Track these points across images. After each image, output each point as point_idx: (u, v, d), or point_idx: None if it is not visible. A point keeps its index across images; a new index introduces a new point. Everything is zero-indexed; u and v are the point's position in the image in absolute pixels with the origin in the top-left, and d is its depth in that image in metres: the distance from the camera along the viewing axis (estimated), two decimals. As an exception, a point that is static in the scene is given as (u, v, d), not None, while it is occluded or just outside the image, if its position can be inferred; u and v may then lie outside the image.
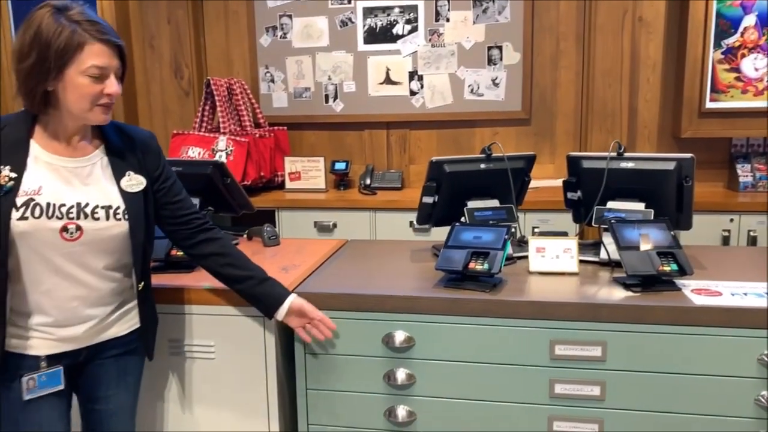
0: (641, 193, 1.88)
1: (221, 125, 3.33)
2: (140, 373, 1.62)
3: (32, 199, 1.35)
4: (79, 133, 1.42)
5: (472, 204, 2.00)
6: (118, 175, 1.45)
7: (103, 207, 1.41)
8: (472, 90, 3.44)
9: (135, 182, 1.47)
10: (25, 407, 1.42)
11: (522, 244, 2.02)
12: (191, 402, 1.80)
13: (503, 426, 1.65)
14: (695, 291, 1.60)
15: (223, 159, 3.18)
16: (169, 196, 1.55)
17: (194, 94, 3.64)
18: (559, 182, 2.17)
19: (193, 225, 1.59)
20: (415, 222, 2.08)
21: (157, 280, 1.77)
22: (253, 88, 3.57)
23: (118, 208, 1.43)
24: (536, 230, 2.89)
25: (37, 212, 1.35)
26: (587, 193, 1.95)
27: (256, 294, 1.61)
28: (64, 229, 1.37)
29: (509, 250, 1.95)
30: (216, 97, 3.33)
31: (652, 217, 1.82)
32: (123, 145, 1.48)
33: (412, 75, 3.47)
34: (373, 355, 1.68)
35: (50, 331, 1.42)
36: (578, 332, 1.57)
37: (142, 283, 1.53)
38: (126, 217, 1.43)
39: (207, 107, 3.42)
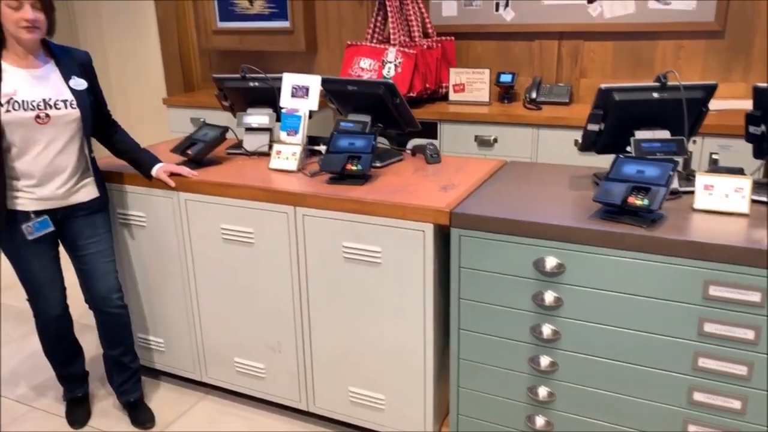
0: (839, 133, 1.71)
1: (391, 36, 3.44)
2: (110, 227, 2.27)
3: (12, 98, 1.96)
4: (31, 50, 2.01)
5: (639, 134, 1.95)
6: (66, 78, 2.08)
7: (62, 101, 2.04)
8: (657, -2, 3.17)
9: (79, 83, 2.10)
10: (29, 247, 2.10)
11: (690, 177, 1.95)
12: (358, 300, 2.07)
13: (645, 356, 1.71)
14: None
15: (392, 71, 3.31)
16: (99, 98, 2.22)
17: (368, 3, 3.76)
18: (749, 104, 2.00)
19: (106, 118, 2.28)
20: (579, 142, 2.08)
21: (334, 190, 2.01)
22: (423, -3, 3.60)
23: (72, 101, 2.06)
24: (713, 156, 2.69)
25: (16, 106, 1.97)
26: (773, 129, 1.81)
27: (136, 159, 2.31)
28: (37, 116, 2.00)
29: (675, 185, 1.91)
30: (388, 7, 3.42)
31: None
32: (68, 59, 2.11)
33: (591, -19, 3.27)
34: (524, 276, 1.80)
35: (33, 191, 2.06)
36: (735, 275, 1.55)
37: (93, 155, 2.18)
38: (74, 106, 2.06)
39: (379, 17, 3.53)
